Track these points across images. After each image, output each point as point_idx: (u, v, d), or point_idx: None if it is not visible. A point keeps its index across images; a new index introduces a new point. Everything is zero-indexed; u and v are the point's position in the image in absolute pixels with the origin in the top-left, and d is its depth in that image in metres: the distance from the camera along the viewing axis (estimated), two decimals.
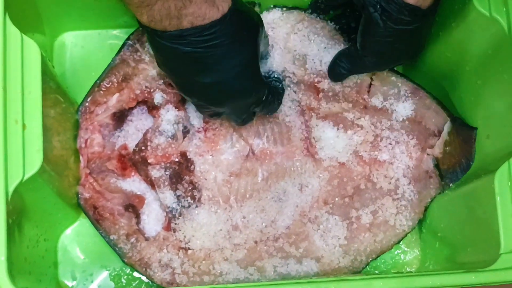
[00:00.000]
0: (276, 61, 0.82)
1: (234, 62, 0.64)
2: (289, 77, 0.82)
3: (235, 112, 0.72)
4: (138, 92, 0.80)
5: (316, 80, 0.82)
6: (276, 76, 0.81)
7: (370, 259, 0.81)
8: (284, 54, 0.82)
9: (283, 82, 0.81)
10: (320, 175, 0.81)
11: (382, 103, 0.82)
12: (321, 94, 0.82)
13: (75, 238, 0.82)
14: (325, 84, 0.82)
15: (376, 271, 0.82)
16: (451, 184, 0.80)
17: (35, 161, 0.60)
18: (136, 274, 0.81)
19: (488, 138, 0.74)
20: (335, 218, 0.80)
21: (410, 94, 0.83)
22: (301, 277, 0.79)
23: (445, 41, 0.79)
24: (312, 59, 0.82)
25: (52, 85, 0.71)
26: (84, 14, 0.83)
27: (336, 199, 0.81)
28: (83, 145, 0.80)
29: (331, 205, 0.81)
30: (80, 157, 0.80)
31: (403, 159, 0.82)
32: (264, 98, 0.72)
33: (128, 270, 0.82)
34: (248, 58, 0.66)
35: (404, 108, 0.82)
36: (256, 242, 0.80)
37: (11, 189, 0.58)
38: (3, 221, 0.57)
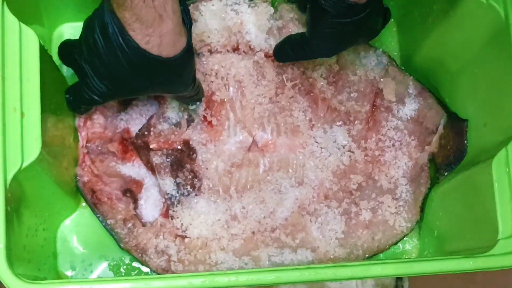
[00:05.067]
0: None
1: None
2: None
3: None
4: None
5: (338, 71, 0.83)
6: None
7: (367, 255, 0.81)
8: None
9: None
10: (323, 170, 0.81)
11: (392, 102, 0.83)
12: (335, 93, 0.83)
13: (74, 229, 0.82)
14: (347, 75, 0.83)
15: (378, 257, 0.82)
16: (445, 174, 0.80)
17: (34, 149, 0.60)
18: (135, 264, 0.82)
19: (485, 126, 0.74)
20: (334, 212, 0.80)
21: (417, 94, 0.83)
22: (295, 265, 0.79)
23: (442, 30, 0.79)
24: None
25: (51, 69, 0.72)
26: (82, 5, 0.83)
27: (337, 194, 0.81)
28: (81, 124, 0.80)
29: (330, 200, 0.81)
30: (79, 136, 0.80)
31: (404, 159, 0.83)
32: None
33: (127, 261, 0.82)
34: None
35: (409, 108, 0.83)
36: (253, 232, 0.80)
37: (9, 176, 0.58)
38: (2, 209, 0.57)
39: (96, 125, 0.80)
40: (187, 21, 0.66)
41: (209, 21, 0.81)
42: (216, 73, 0.81)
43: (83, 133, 0.80)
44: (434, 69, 0.83)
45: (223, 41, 0.81)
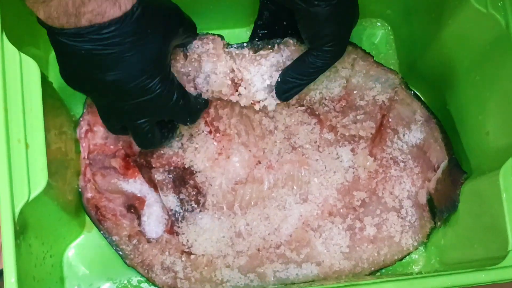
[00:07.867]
0: None
1: (133, 60, 0.62)
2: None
3: (140, 122, 0.69)
4: None
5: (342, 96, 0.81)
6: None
7: (373, 269, 0.81)
8: None
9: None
10: (327, 187, 0.81)
11: (398, 124, 0.83)
12: (340, 114, 0.82)
13: (80, 252, 0.82)
14: (355, 100, 0.81)
15: (382, 270, 0.82)
16: (438, 223, 0.81)
17: (40, 180, 0.59)
18: (143, 285, 0.81)
19: (487, 134, 0.74)
20: (338, 228, 0.80)
21: (424, 122, 0.83)
22: (300, 280, 0.79)
23: (442, 39, 0.79)
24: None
25: (51, 93, 0.72)
26: None
27: (341, 210, 0.81)
28: (83, 135, 0.80)
29: (335, 216, 0.81)
30: (81, 148, 0.80)
31: (408, 183, 0.82)
32: (173, 102, 0.68)
33: (134, 282, 0.81)
34: (151, 57, 0.63)
35: (415, 134, 0.83)
36: (258, 249, 0.79)
37: (17, 210, 0.57)
38: (11, 243, 0.56)
39: (97, 136, 0.80)
40: None
41: None
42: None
43: (84, 144, 0.80)
44: (435, 77, 0.83)
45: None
